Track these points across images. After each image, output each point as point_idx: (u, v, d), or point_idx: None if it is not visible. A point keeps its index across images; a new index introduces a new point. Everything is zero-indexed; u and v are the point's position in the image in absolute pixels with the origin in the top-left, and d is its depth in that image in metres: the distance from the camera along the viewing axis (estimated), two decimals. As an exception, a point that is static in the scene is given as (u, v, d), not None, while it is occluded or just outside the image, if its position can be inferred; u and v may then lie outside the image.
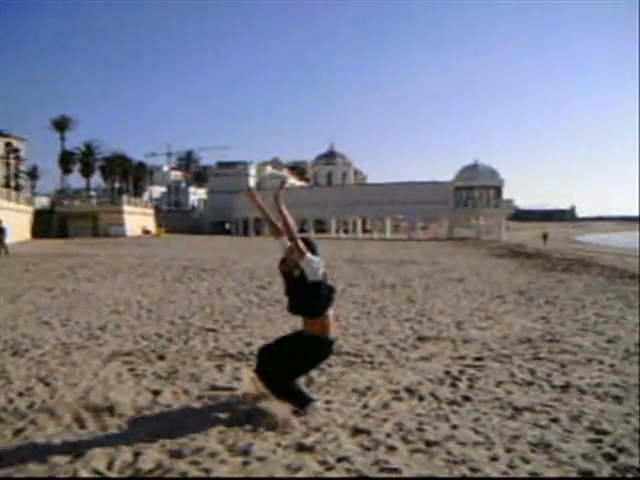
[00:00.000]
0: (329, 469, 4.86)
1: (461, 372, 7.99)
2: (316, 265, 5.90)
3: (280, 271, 6.15)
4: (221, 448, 5.30)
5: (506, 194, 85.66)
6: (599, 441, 5.55)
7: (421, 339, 10.21)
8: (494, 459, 5.09)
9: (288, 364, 6.12)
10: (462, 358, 8.80)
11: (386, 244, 61.99)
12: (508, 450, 5.30)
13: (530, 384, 7.46)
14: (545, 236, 66.63)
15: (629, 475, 4.67)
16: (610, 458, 5.15)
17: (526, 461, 5.06)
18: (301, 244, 5.89)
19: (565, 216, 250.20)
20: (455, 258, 35.93)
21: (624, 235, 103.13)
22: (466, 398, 6.83)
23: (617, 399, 6.88)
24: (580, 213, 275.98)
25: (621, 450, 5.32)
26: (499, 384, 7.45)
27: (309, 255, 5.87)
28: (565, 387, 7.30)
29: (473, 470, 4.85)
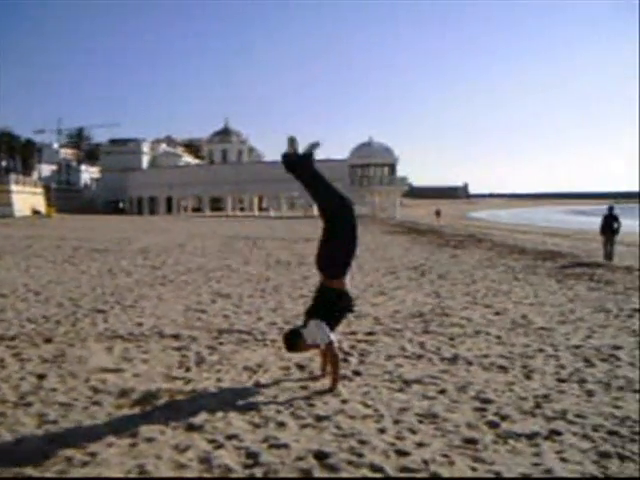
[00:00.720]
0: (218, 447, 4.82)
1: (352, 347, 8.08)
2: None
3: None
4: (107, 430, 5.18)
5: (400, 171, 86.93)
6: (483, 410, 5.71)
7: (314, 316, 10.24)
8: (382, 431, 5.16)
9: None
10: (354, 333, 8.88)
11: (282, 222, 62.04)
12: (396, 422, 5.38)
13: (420, 357, 7.61)
14: (438, 213, 68.12)
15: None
16: (493, 425, 5.32)
17: (413, 432, 5.15)
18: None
19: (458, 193, 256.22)
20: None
21: (509, 212, 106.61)
22: (356, 373, 6.91)
23: (502, 369, 7.11)
24: (473, 190, 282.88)
25: (504, 417, 5.49)
26: (389, 358, 7.56)
27: None
28: (453, 359, 7.48)
29: (361, 442, 4.90)
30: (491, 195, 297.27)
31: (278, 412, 5.62)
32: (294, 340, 6.31)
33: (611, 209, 22.08)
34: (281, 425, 5.29)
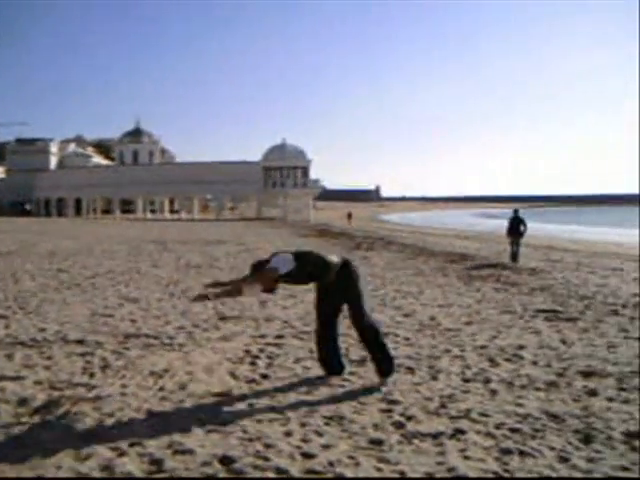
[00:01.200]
0: (121, 455, 4.71)
1: (261, 350, 8.03)
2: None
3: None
4: (4, 440, 4.99)
5: (314, 174, 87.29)
6: (390, 411, 5.76)
7: (223, 319, 10.17)
8: (288, 434, 5.15)
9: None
10: (263, 337, 8.85)
11: (194, 224, 61.43)
12: (303, 424, 5.38)
13: (328, 359, 7.62)
14: (349, 215, 68.77)
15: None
16: (399, 426, 5.36)
17: (320, 434, 5.15)
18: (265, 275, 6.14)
19: (370, 196, 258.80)
20: (262, 238, 36.14)
21: (421, 214, 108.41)
22: (264, 376, 6.87)
23: (409, 369, 7.20)
24: (385, 193, 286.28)
25: (410, 418, 5.55)
26: (298, 360, 7.56)
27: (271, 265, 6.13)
28: (361, 361, 7.51)
29: (267, 446, 4.87)
30: (404, 198, 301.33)
31: (183, 417, 5.53)
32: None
33: (516, 212, 22.80)
34: (186, 431, 5.20)
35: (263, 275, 6.11)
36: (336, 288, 6.63)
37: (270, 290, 6.28)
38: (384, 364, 6.60)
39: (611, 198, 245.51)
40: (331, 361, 6.87)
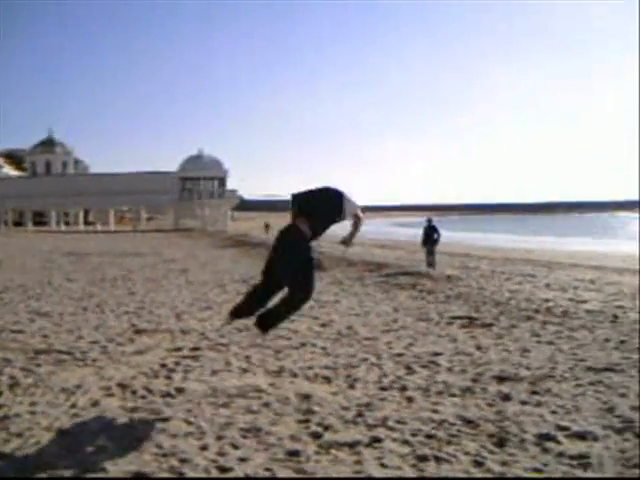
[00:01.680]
0: (29, 477, 4.54)
1: (177, 363, 7.90)
2: None
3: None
4: None
5: (231, 184, 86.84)
6: (307, 421, 5.73)
7: (138, 332, 9.99)
8: (204, 448, 5.06)
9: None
10: (179, 349, 8.72)
11: (109, 236, 60.38)
12: (219, 438, 5.30)
13: (245, 371, 7.55)
14: (267, 226, 68.58)
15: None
16: (316, 436, 5.34)
17: (236, 447, 5.09)
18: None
19: (289, 206, 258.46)
20: (180, 249, 35.77)
21: (340, 224, 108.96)
22: (180, 390, 6.75)
23: (326, 379, 7.19)
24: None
25: (327, 428, 5.54)
26: (214, 373, 7.45)
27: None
28: (278, 372, 7.48)
29: (182, 461, 4.78)
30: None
31: (95, 435, 5.38)
32: None
33: (430, 221, 23.50)
34: (98, 449, 5.07)
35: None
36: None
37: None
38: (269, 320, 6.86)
39: (524, 207, 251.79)
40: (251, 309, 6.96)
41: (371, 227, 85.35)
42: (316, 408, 6.10)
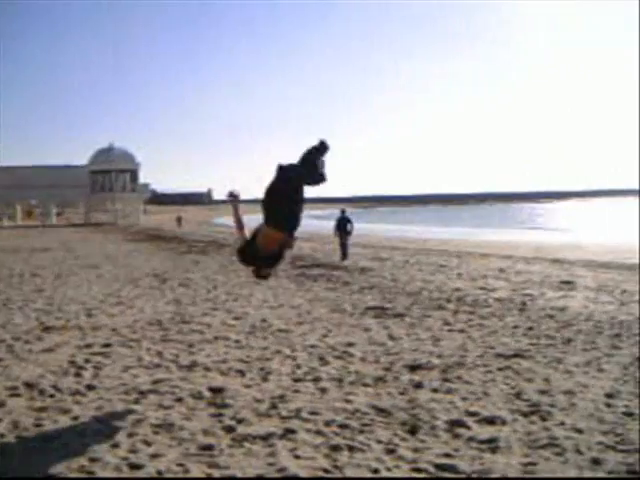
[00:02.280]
0: None
1: (87, 361, 7.72)
2: None
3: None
4: None
5: (143, 178, 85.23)
6: (220, 415, 5.69)
7: (47, 329, 9.73)
8: (115, 446, 4.97)
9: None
10: (89, 346, 8.53)
11: (17, 232, 58.53)
12: (130, 435, 5.21)
13: (157, 366, 7.45)
14: (179, 219, 67.87)
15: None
16: (229, 430, 5.31)
17: (148, 444, 5.01)
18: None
19: (203, 199, 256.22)
20: (91, 244, 34.96)
21: (253, 217, 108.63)
22: (90, 387, 6.61)
23: (240, 372, 7.16)
24: (218, 196, 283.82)
25: (240, 421, 5.51)
26: (126, 369, 7.32)
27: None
28: (191, 366, 7.41)
29: (93, 460, 4.68)
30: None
31: (1, 437, 5.22)
32: None
33: (343, 212, 23.76)
34: (4, 451, 4.92)
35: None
36: None
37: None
38: None
39: (438, 198, 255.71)
40: None
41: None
42: (229, 401, 6.07)
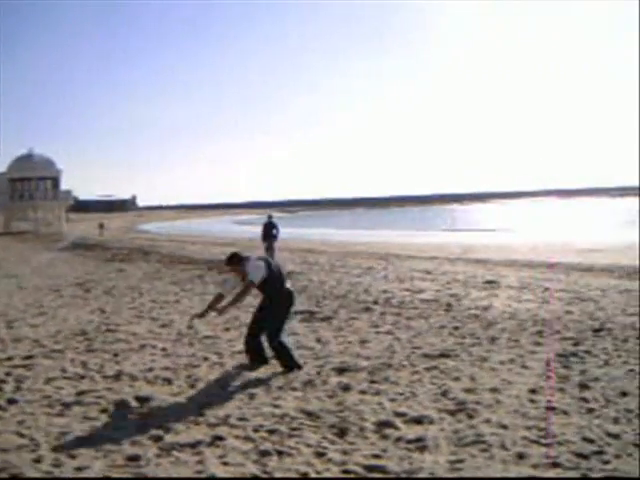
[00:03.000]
0: None
1: (8, 374, 7.49)
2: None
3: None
4: None
5: (65, 185, 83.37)
6: (147, 424, 5.62)
7: (-35, 343, 9.42)
8: (38, 461, 4.84)
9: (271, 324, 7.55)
10: (10, 359, 8.29)
11: None
12: (54, 448, 5.09)
13: (82, 377, 7.31)
14: (101, 226, 66.69)
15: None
16: (156, 439, 5.24)
17: (72, 457, 4.90)
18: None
19: (127, 205, 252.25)
20: (11, 253, 34.05)
21: (179, 223, 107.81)
22: (12, 401, 6.42)
23: (167, 381, 7.08)
24: (142, 202, 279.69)
25: (168, 429, 5.44)
26: (49, 381, 7.16)
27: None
28: (117, 376, 7.28)
29: (14, 477, 4.54)
30: (161, 207, 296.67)
31: None
32: None
33: (270, 217, 23.99)
34: None
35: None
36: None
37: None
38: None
39: (362, 201, 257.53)
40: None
41: (212, 225, 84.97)
42: (156, 410, 6.00)
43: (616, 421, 5.48)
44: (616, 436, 5.11)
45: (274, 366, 7.57)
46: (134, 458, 4.84)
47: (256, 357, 7.68)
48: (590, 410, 5.79)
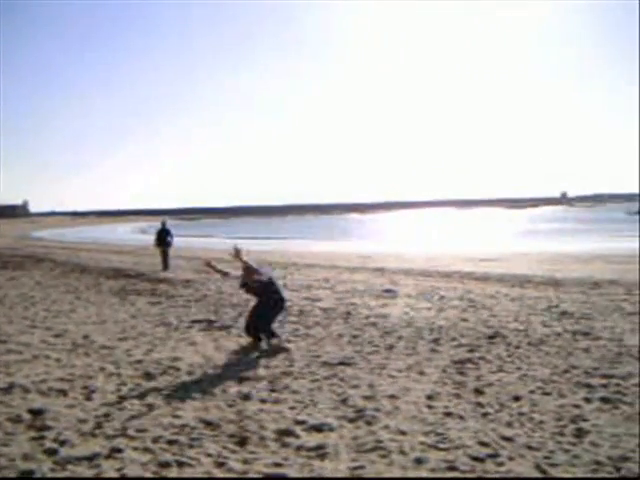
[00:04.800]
0: None
1: None
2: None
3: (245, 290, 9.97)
4: None
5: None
6: (42, 438, 5.46)
7: None
8: None
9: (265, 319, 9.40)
10: None
11: None
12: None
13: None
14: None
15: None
16: (51, 453, 5.11)
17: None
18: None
19: (18, 211, 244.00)
20: None
21: (74, 229, 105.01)
22: None
23: (62, 392, 6.90)
24: (34, 208, 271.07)
25: (63, 443, 5.32)
26: None
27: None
28: (8, 388, 7.04)
29: None
30: (54, 213, 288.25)
31: None
32: None
33: (164, 224, 24.46)
34: None
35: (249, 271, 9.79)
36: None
37: (243, 285, 9.89)
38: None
39: (261, 209, 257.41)
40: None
41: (108, 233, 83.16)
42: (51, 423, 5.83)
43: (510, 425, 5.68)
44: (510, 439, 5.30)
45: (173, 376, 7.50)
46: (27, 473, 4.70)
47: (256, 339, 9.33)
48: (485, 415, 5.98)
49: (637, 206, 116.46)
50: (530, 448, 5.10)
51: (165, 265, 22.79)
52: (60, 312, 12.82)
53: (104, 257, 30.75)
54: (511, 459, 4.88)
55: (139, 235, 71.86)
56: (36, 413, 6.13)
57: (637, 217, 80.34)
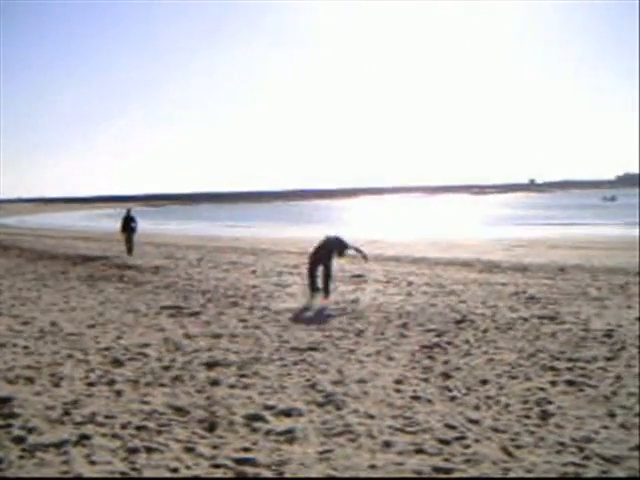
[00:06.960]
0: None
1: None
2: None
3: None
4: None
5: None
6: (9, 425, 5.42)
7: None
8: None
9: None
10: None
11: None
12: None
13: None
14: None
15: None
16: (19, 440, 5.06)
17: None
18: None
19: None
20: None
21: (39, 216, 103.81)
22: None
23: (29, 380, 6.83)
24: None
25: (31, 430, 5.28)
26: None
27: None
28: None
29: None
30: (19, 200, 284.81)
31: None
32: None
33: (129, 210, 24.83)
34: None
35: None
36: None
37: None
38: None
39: (228, 196, 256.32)
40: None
41: (75, 220, 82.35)
42: (18, 410, 5.78)
43: (477, 408, 5.77)
44: (476, 422, 5.38)
45: (142, 362, 7.49)
46: (-5, 461, 4.67)
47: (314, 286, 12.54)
48: (452, 398, 6.06)
49: (608, 193, 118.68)
50: (496, 430, 5.19)
51: (129, 250, 23.13)
52: (27, 299, 12.70)
53: (72, 244, 30.48)
54: (477, 441, 4.96)
55: (106, 221, 71.41)
56: (3, 401, 6.07)
57: (615, 203, 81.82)
